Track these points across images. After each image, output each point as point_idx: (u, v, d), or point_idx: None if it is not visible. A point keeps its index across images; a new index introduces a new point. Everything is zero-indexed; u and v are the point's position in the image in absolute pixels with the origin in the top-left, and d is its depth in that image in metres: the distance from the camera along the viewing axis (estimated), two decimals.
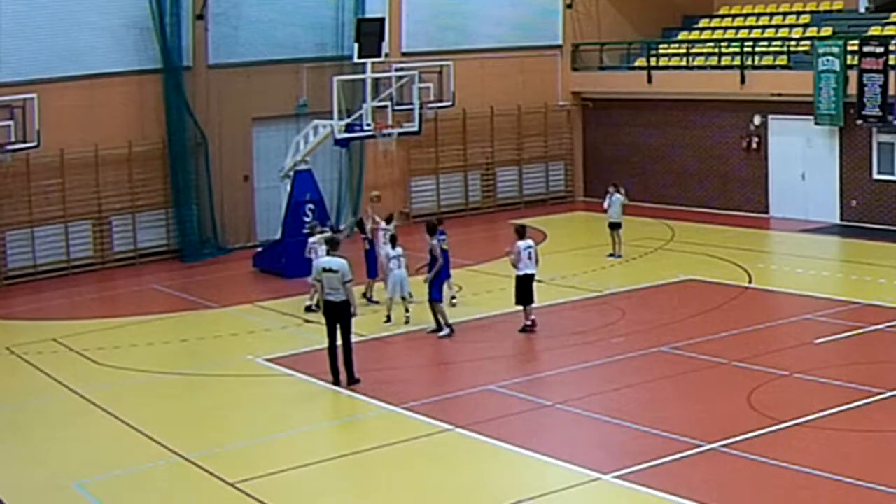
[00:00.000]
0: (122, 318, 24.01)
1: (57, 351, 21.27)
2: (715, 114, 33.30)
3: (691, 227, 30.92)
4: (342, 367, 17.95)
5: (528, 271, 20.72)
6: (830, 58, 29.81)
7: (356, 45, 27.36)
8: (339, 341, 17.96)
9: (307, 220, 26.56)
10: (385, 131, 27.52)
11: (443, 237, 21.62)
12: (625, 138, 35.88)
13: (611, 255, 26.94)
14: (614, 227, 26.99)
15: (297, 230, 26.98)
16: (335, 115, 26.42)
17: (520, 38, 35.78)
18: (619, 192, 27.12)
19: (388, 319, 21.79)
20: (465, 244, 29.11)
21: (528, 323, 20.71)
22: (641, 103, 35.20)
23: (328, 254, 18.51)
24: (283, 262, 27.01)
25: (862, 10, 33.21)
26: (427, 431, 15.73)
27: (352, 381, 17.91)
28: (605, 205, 27.16)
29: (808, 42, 31.54)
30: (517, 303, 20.84)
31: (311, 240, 22.91)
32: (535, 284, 20.89)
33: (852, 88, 29.37)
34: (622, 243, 27.02)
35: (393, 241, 21.97)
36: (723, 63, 33.14)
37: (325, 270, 17.87)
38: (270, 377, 19.06)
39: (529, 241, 20.91)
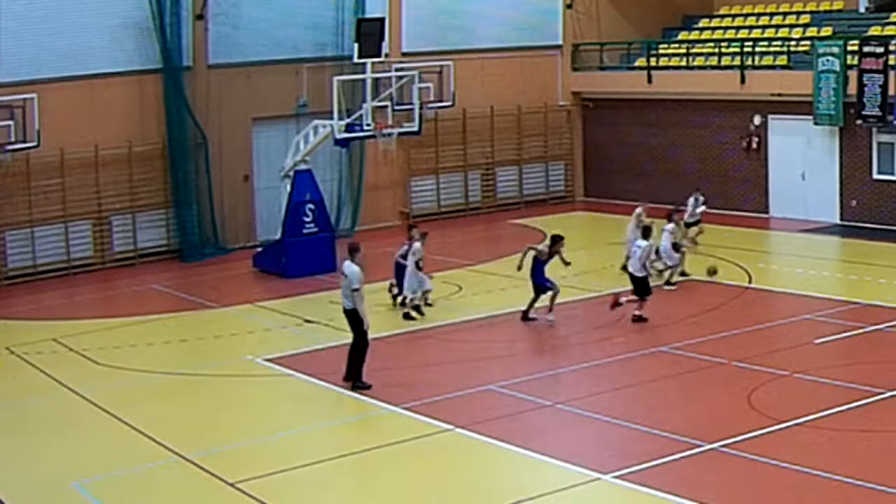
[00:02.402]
0: (122, 318, 24.01)
1: (57, 351, 21.26)
2: (715, 114, 33.29)
3: None
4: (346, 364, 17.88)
5: (629, 271, 21.49)
6: (830, 58, 29.81)
7: (356, 45, 27.35)
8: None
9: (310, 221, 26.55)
10: (385, 131, 27.52)
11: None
12: (625, 138, 35.88)
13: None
14: (690, 226, 26.83)
15: (297, 230, 27.00)
16: (335, 115, 26.42)
17: (520, 38, 35.79)
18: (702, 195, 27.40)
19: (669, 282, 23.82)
20: (465, 244, 29.15)
21: (637, 313, 21.13)
22: (641, 103, 35.19)
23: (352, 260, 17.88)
24: (283, 262, 27.01)
25: (862, 10, 33.21)
26: (427, 431, 15.73)
27: (348, 378, 17.82)
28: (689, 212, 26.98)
29: (808, 42, 31.54)
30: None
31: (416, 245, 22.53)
32: (645, 281, 21.29)
33: (852, 88, 29.37)
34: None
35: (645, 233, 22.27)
36: (723, 63, 33.14)
37: (343, 274, 17.81)
38: (270, 377, 19.06)
39: (641, 242, 21.43)
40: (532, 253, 21.76)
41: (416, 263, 22.23)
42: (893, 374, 17.17)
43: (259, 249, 29.25)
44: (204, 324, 23.13)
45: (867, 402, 15.85)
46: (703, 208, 27.22)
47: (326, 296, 24.55)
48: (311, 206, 27.25)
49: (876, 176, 29.81)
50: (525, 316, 21.55)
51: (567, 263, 22.28)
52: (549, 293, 21.51)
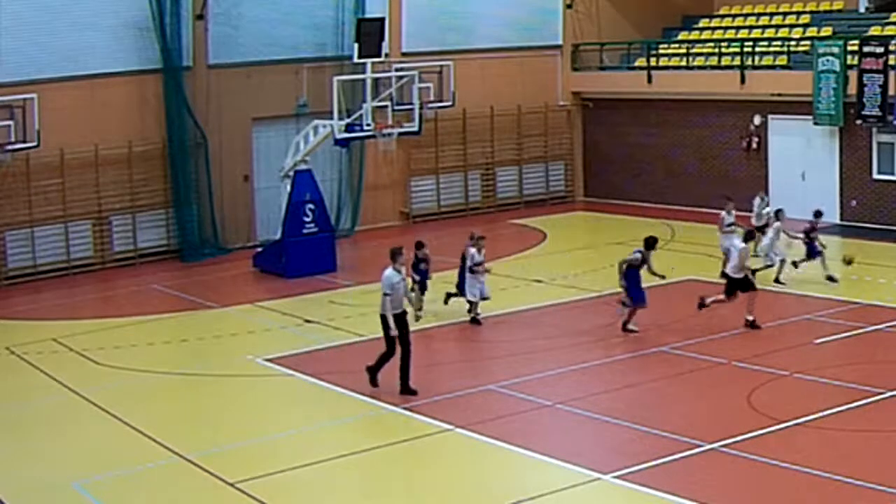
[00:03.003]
0: (122, 318, 24.01)
1: (57, 351, 21.26)
2: (715, 114, 33.30)
3: (691, 227, 30.88)
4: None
5: (727, 272, 20.74)
6: (830, 58, 29.81)
7: (356, 45, 27.36)
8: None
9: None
10: (385, 131, 27.51)
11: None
12: (625, 138, 35.88)
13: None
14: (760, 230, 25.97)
15: (297, 230, 26.99)
16: (335, 115, 26.43)
17: (520, 38, 35.79)
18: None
19: (778, 280, 23.72)
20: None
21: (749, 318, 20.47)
22: (641, 103, 35.20)
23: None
24: (283, 262, 27.01)
25: (862, 10, 33.22)
26: (427, 431, 15.73)
27: (404, 391, 17.40)
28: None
29: (808, 42, 31.55)
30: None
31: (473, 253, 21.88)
32: (737, 282, 20.55)
33: (852, 88, 29.38)
34: None
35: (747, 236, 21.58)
36: (723, 63, 33.15)
37: None
38: (270, 377, 19.06)
39: (738, 243, 20.71)
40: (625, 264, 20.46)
41: (471, 269, 21.63)
42: (893, 374, 17.17)
43: (259, 249, 29.26)
44: (204, 324, 23.13)
45: (867, 402, 15.85)
46: (768, 209, 26.29)
47: (326, 296, 24.60)
48: (311, 206, 27.24)
49: (876, 176, 29.82)
50: (624, 327, 20.55)
51: (661, 276, 21.13)
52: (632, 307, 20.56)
